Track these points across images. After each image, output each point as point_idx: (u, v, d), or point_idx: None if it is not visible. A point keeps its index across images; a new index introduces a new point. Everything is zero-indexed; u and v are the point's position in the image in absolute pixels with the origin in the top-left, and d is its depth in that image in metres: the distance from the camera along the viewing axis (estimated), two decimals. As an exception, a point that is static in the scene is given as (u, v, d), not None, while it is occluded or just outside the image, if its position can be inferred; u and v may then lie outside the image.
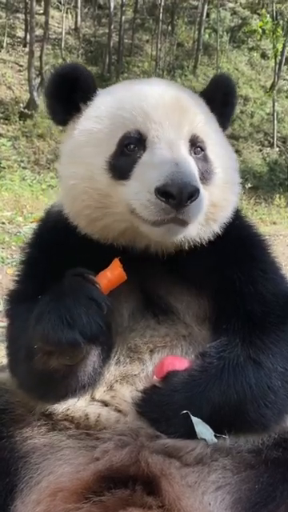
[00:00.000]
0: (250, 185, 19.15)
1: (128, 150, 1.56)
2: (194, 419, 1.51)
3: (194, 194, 1.40)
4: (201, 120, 1.63)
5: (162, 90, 1.62)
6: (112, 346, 1.67)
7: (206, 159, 1.62)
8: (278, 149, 25.15)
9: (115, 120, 1.59)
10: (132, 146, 1.55)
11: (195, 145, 1.60)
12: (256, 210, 14.39)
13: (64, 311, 1.41)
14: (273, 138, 25.15)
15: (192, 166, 1.50)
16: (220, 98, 1.79)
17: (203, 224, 1.62)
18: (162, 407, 1.55)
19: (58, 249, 1.71)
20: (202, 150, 1.62)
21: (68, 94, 1.69)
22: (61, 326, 1.39)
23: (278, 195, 17.19)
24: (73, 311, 1.41)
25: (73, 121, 1.71)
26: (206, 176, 1.60)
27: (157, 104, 1.56)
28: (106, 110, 1.63)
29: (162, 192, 1.40)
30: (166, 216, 1.43)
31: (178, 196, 1.39)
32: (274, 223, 11.75)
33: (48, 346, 1.44)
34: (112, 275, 1.56)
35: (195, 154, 1.60)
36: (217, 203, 1.64)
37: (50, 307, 1.44)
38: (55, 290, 1.50)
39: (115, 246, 1.65)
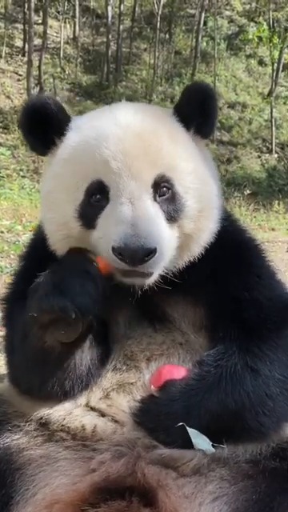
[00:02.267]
0: (248, 191, 19.18)
1: (93, 201, 1.57)
2: (191, 431, 1.51)
3: (149, 254, 1.44)
4: (167, 155, 1.58)
5: (123, 131, 1.56)
6: (110, 347, 1.69)
7: (173, 197, 1.59)
8: (276, 155, 25.19)
9: (81, 168, 1.59)
10: (97, 197, 1.56)
11: (160, 186, 1.56)
12: (255, 217, 14.37)
13: (58, 280, 1.44)
14: (271, 144, 25.18)
15: (152, 221, 1.49)
16: (196, 108, 1.69)
17: (177, 256, 1.64)
18: (160, 417, 1.55)
19: (51, 261, 1.70)
20: (169, 188, 1.58)
21: (41, 127, 1.66)
22: (54, 293, 1.42)
23: (276, 201, 17.18)
24: (67, 280, 1.44)
25: (50, 154, 1.71)
26: (174, 214, 1.58)
27: (117, 151, 1.52)
28: (74, 154, 1.61)
29: (117, 253, 1.44)
30: (125, 268, 1.48)
31: (130, 259, 1.44)
32: (273, 229, 11.74)
33: (40, 312, 1.44)
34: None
35: (161, 195, 1.57)
36: (190, 234, 1.63)
37: (46, 278, 1.47)
38: (54, 265, 1.53)
39: None
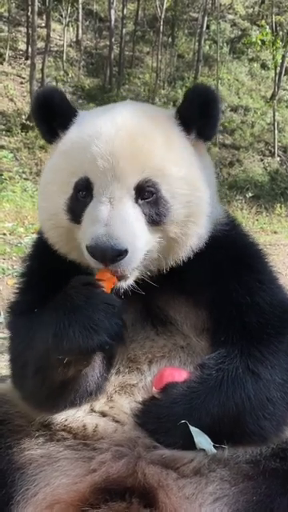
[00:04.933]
0: (250, 194, 19.19)
1: (80, 196, 1.60)
2: (193, 429, 1.51)
3: (120, 254, 1.46)
4: (156, 159, 1.58)
5: (115, 131, 1.57)
6: (115, 352, 1.68)
7: (157, 201, 1.58)
8: (278, 158, 25.19)
9: (73, 163, 1.62)
10: (83, 193, 1.59)
11: (144, 189, 1.56)
12: (257, 220, 14.35)
13: (87, 320, 1.45)
14: (274, 147, 25.19)
15: (127, 223, 1.50)
16: (197, 110, 1.68)
17: (162, 257, 1.64)
18: (161, 419, 1.55)
19: (56, 260, 1.73)
20: (153, 192, 1.57)
21: (48, 117, 1.73)
22: (89, 335, 1.43)
23: (278, 204, 17.16)
24: (94, 318, 1.45)
25: (54, 145, 1.76)
26: (156, 218, 1.58)
27: (105, 150, 1.54)
28: (70, 148, 1.65)
29: (90, 251, 1.48)
30: (100, 266, 1.51)
31: (100, 259, 1.48)
32: (275, 232, 11.72)
33: (81, 355, 1.48)
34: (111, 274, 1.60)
35: (144, 199, 1.57)
36: (175, 238, 1.63)
37: (70, 320, 1.46)
38: (66, 303, 1.51)
39: None
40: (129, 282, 1.57)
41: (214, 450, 1.52)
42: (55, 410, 1.63)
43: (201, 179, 1.67)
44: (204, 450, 1.51)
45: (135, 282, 1.62)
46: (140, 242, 1.53)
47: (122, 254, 1.46)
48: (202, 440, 1.51)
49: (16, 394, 1.73)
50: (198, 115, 1.68)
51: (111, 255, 1.46)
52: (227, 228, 1.78)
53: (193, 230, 1.64)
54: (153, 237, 1.59)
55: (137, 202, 1.56)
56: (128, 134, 1.57)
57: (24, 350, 1.63)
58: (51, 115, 1.72)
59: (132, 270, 1.56)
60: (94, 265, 1.53)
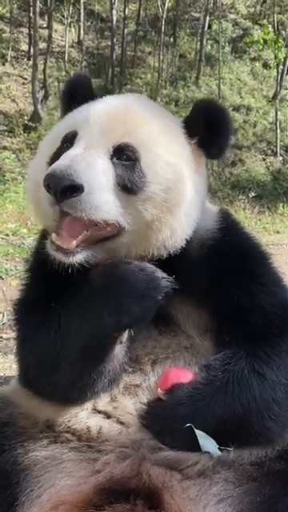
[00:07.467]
0: (253, 194, 19.15)
1: (65, 147, 1.58)
2: (198, 432, 1.51)
3: (74, 188, 1.38)
4: (143, 133, 1.56)
5: (119, 103, 1.66)
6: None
7: (134, 169, 1.52)
8: (281, 158, 25.08)
9: (69, 121, 1.69)
10: (68, 144, 1.58)
11: (122, 151, 1.52)
12: (260, 219, 14.28)
13: (143, 279, 1.50)
14: (276, 147, 25.08)
15: (92, 166, 1.44)
16: (201, 125, 1.67)
17: (131, 243, 1.57)
18: (167, 420, 1.55)
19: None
20: (132, 159, 1.53)
21: (71, 102, 1.83)
22: (155, 284, 1.50)
23: (281, 204, 17.08)
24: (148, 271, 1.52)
25: None
26: (128, 185, 1.50)
27: (100, 111, 1.60)
28: (73, 113, 1.73)
29: (46, 183, 1.40)
30: (51, 207, 1.45)
31: (52, 187, 1.38)
32: (278, 232, 11.65)
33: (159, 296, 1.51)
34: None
35: (119, 159, 1.52)
36: (147, 221, 1.54)
37: (120, 292, 1.48)
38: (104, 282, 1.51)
39: None
40: (78, 257, 1.49)
41: (219, 453, 1.52)
42: (79, 401, 1.62)
43: (188, 178, 1.61)
44: (209, 452, 1.51)
45: None
46: (101, 189, 1.45)
47: (76, 189, 1.38)
48: (207, 443, 1.51)
49: (21, 394, 1.71)
50: (204, 129, 1.68)
51: (64, 185, 1.36)
52: (220, 234, 1.75)
53: (167, 218, 1.55)
54: (124, 205, 1.51)
55: (111, 159, 1.52)
56: (125, 106, 1.65)
57: (54, 341, 1.54)
58: (73, 100, 1.81)
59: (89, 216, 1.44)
60: (49, 204, 1.46)
